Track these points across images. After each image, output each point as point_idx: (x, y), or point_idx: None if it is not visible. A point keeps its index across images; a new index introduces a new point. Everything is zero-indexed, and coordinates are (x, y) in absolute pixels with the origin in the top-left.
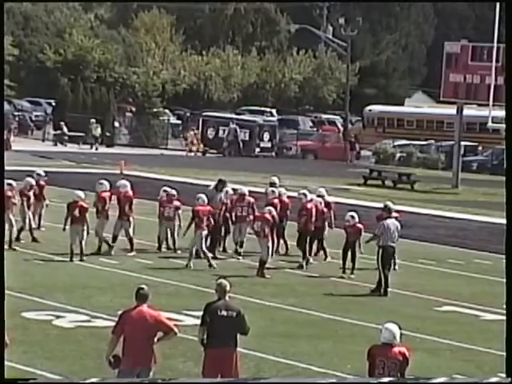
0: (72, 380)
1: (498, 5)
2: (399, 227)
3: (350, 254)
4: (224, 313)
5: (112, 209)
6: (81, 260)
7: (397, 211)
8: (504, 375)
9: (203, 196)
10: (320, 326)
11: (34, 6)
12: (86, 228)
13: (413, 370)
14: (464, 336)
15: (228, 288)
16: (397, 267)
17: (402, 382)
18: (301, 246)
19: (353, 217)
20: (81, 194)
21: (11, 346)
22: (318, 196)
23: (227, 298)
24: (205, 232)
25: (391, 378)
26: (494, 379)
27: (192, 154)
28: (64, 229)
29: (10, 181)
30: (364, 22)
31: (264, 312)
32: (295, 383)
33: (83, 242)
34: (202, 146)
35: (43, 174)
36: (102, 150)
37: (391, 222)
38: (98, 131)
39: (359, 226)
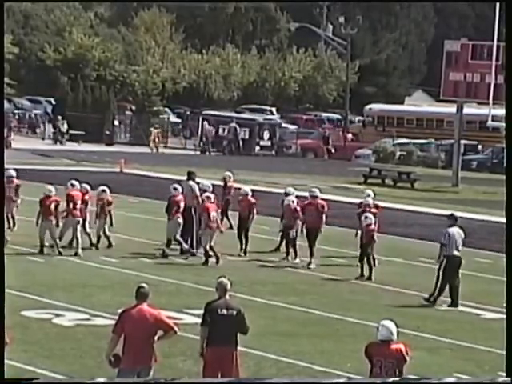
0: (78, 380)
1: (497, 4)
2: (463, 235)
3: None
4: (224, 311)
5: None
6: (59, 254)
7: (376, 206)
8: (504, 374)
9: (75, 181)
10: (320, 325)
11: (34, 4)
12: (55, 222)
13: (413, 369)
14: (464, 335)
15: (228, 286)
16: (377, 262)
17: (408, 382)
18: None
19: (366, 217)
20: (52, 188)
21: (11, 345)
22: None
23: (227, 296)
24: (78, 218)
25: (395, 378)
26: (493, 379)
27: (154, 151)
28: (37, 223)
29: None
30: (364, 21)
31: (264, 311)
32: (300, 383)
33: (56, 236)
34: (162, 144)
35: (14, 174)
36: (82, 147)
37: (456, 231)
38: (65, 127)
39: (372, 227)
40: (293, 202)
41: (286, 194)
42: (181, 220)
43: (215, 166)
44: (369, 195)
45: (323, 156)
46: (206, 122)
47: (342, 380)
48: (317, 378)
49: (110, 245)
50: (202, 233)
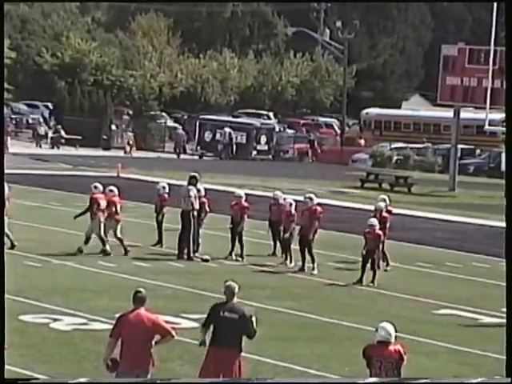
0: (59, 380)
1: (495, 7)
2: None
3: (370, 261)
4: (227, 314)
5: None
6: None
7: (389, 211)
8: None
9: None
10: (317, 329)
11: (31, 9)
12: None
13: (410, 373)
14: (462, 339)
15: (236, 290)
16: (388, 268)
17: (399, 382)
18: (309, 250)
19: (372, 223)
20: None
21: (9, 349)
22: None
23: (235, 300)
24: None
25: (384, 379)
26: (494, 379)
27: (128, 154)
28: None
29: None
30: (361, 25)
31: (261, 315)
32: (293, 383)
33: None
34: (135, 148)
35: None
36: (59, 150)
37: None
38: (43, 130)
39: (378, 232)
40: (290, 205)
41: (274, 199)
42: (102, 219)
43: (212, 170)
44: (384, 200)
45: (310, 159)
46: (179, 126)
47: (332, 380)
48: (308, 378)
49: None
50: (106, 223)
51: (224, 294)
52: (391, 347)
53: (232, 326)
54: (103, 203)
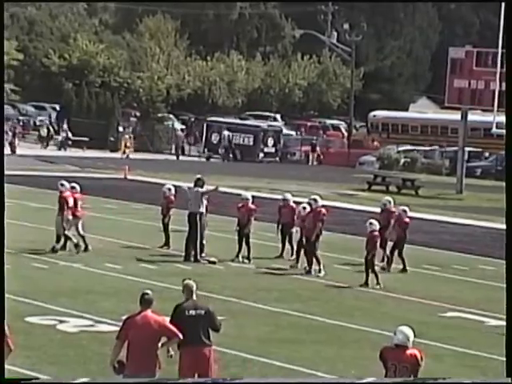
0: (61, 380)
1: (502, 10)
2: None
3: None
4: (192, 312)
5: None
6: None
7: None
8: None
9: None
10: (324, 332)
11: (39, 10)
12: None
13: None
14: (468, 342)
15: (194, 288)
16: (404, 273)
17: (388, 382)
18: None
19: (370, 224)
20: None
21: (15, 351)
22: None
23: (194, 297)
24: None
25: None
26: (494, 380)
27: (124, 156)
28: None
29: None
30: (368, 28)
31: (268, 317)
32: (287, 383)
33: None
34: (132, 149)
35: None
36: (54, 151)
37: None
38: (44, 131)
39: (375, 234)
40: (304, 208)
41: (284, 200)
42: (70, 217)
43: (219, 172)
44: (389, 202)
45: (312, 163)
46: (178, 128)
47: (325, 380)
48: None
49: None
50: (71, 221)
51: (183, 292)
52: (408, 351)
53: (200, 322)
54: (71, 201)
